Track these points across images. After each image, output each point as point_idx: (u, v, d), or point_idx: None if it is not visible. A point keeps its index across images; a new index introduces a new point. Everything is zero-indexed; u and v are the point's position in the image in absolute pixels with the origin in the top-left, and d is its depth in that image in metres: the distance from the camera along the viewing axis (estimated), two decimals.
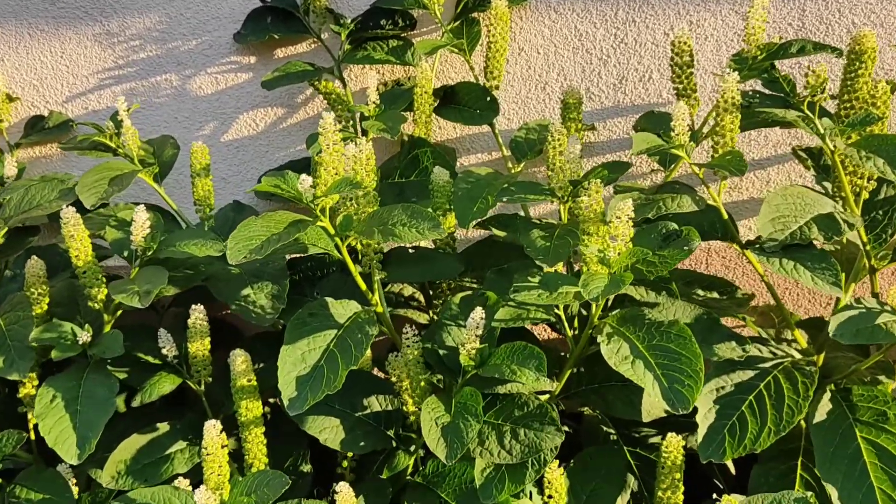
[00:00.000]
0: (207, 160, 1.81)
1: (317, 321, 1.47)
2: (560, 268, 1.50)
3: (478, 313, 1.44)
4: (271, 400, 1.89)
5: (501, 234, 1.71)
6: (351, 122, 1.93)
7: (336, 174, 1.42)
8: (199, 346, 1.61)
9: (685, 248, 1.34)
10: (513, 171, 1.91)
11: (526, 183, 1.60)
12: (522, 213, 1.89)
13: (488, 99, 1.86)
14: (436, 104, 1.87)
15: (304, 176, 1.37)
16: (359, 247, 1.54)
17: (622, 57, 1.93)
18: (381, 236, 1.36)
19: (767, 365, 1.51)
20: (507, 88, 1.98)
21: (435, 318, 1.83)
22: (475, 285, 1.79)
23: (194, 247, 1.58)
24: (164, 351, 1.63)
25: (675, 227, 1.40)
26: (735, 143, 1.52)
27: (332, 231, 1.42)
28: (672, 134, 1.48)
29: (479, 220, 1.67)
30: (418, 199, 1.81)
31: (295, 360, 1.41)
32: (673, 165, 1.80)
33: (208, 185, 1.82)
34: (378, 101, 1.80)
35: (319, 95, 2.01)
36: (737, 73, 1.50)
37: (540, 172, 2.01)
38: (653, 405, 1.61)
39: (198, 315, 1.60)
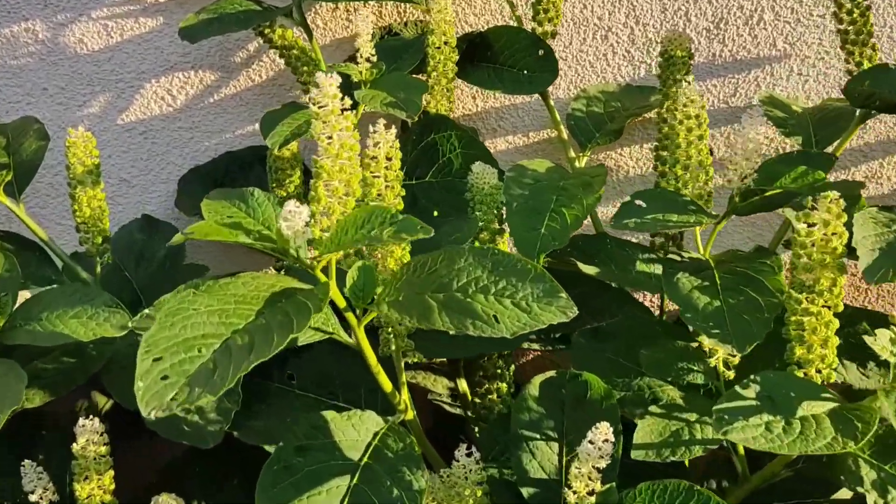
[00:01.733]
0: (95, 157, 1.10)
1: (313, 460, 0.80)
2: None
3: (601, 432, 0.80)
4: None
5: (591, 270, 1.06)
6: None
7: (347, 193, 0.74)
8: (95, 488, 0.92)
9: None
10: (576, 163, 1.26)
11: (655, 193, 0.96)
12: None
13: (541, 53, 1.20)
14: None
15: (291, 206, 0.69)
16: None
17: None
18: (446, 319, 0.70)
19: None
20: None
21: (464, 388, 1.18)
22: (540, 345, 1.14)
23: (76, 322, 0.89)
24: (33, 498, 0.93)
25: None
26: None
27: (341, 303, 0.75)
28: None
29: (555, 249, 1.03)
30: (445, 214, 1.15)
31: None
32: None
33: (98, 197, 1.12)
34: (374, 58, 1.12)
35: (270, 51, 1.31)
36: None
37: (612, 160, 1.37)
38: None
39: (90, 435, 0.91)
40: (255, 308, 0.66)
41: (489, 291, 0.72)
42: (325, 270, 0.73)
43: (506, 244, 1.09)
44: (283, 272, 0.88)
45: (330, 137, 0.74)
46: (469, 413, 1.17)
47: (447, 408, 1.32)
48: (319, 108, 0.74)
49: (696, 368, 0.87)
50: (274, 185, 1.16)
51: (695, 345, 0.90)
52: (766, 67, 1.34)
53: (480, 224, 1.06)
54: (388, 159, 0.85)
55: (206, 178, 1.35)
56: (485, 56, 1.23)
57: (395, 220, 0.68)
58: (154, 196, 1.39)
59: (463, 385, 1.19)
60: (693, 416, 0.85)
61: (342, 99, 0.74)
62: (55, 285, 1.14)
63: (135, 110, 1.35)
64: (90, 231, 1.12)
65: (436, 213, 1.17)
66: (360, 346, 0.79)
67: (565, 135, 1.26)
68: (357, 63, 1.13)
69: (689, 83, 0.97)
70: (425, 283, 0.74)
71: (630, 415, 0.93)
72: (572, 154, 1.25)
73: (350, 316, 0.76)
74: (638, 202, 0.91)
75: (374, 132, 0.84)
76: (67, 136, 1.08)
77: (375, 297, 0.76)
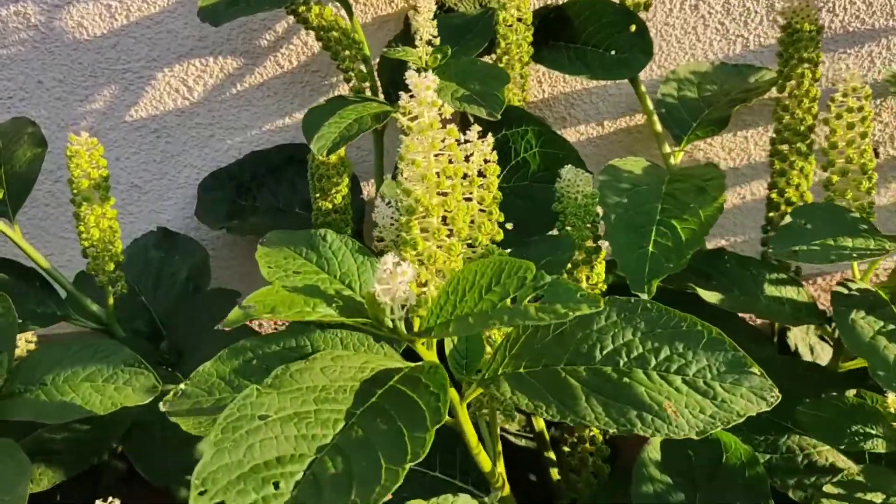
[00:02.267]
0: (103, 168, 0.91)
1: None
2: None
3: None
4: None
5: (712, 297, 0.87)
6: (367, 83, 1.05)
7: (451, 233, 0.55)
8: None
9: None
10: (671, 159, 1.07)
11: (817, 210, 0.76)
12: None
13: (632, 29, 1.00)
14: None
15: (389, 262, 0.50)
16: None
17: None
18: (599, 410, 0.51)
19: None
20: None
21: (541, 426, 0.99)
22: None
23: (89, 387, 0.70)
24: None
25: None
26: None
27: (445, 381, 0.56)
28: None
29: (670, 273, 0.84)
30: (521, 230, 0.95)
31: None
32: None
33: (108, 216, 0.93)
34: (437, 39, 0.93)
35: (301, 32, 1.12)
36: None
37: (699, 150, 1.18)
38: None
39: None
40: (343, 407, 0.47)
41: (648, 364, 0.53)
42: (428, 344, 0.54)
43: (602, 266, 0.90)
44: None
45: (426, 159, 0.54)
46: (547, 454, 0.99)
47: (512, 438, 1.14)
48: (411, 119, 0.55)
49: (876, 433, 0.69)
50: (318, 195, 0.97)
51: (871, 401, 0.71)
52: (882, 40, 1.15)
53: (573, 238, 0.88)
54: (482, 175, 0.66)
55: (230, 183, 1.16)
56: (563, 34, 1.03)
57: (540, 283, 0.49)
58: (170, 204, 1.20)
59: (540, 423, 1.01)
60: (878, 498, 0.67)
61: (441, 106, 0.55)
62: (60, 321, 0.95)
63: (145, 105, 1.15)
64: (100, 256, 0.93)
65: (509, 227, 0.98)
66: (460, 426, 0.60)
67: (659, 126, 1.06)
68: (415, 46, 0.93)
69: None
70: (553, 350, 0.55)
71: (782, 487, 0.75)
72: (667, 149, 1.06)
73: (454, 397, 0.57)
74: (800, 222, 0.72)
75: (466, 140, 0.65)
76: (69, 144, 0.89)
77: (483, 367, 0.58)
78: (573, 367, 0.53)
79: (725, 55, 1.15)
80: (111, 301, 0.97)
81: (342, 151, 0.94)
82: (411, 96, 0.57)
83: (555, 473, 0.99)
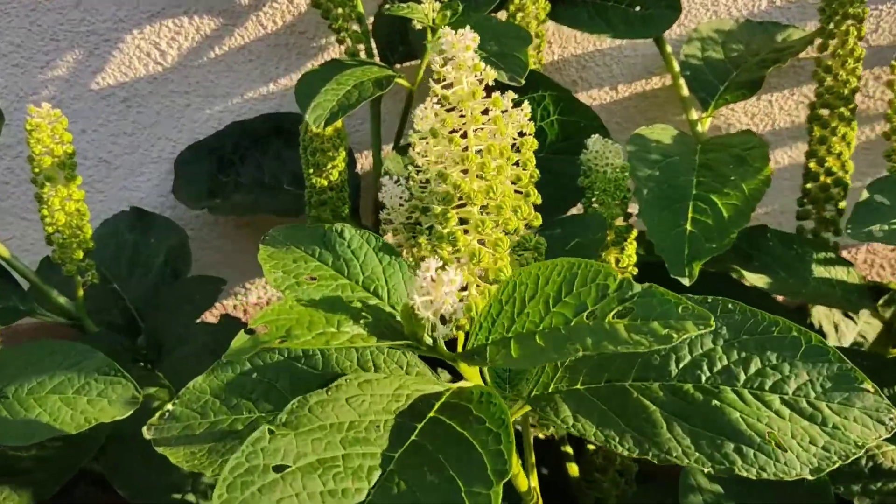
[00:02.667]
0: (68, 143, 0.80)
1: None
2: None
3: None
4: None
5: (759, 279, 0.79)
6: (362, 45, 0.94)
7: (498, 224, 0.46)
8: None
9: None
10: (698, 126, 0.97)
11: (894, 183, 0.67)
12: None
13: None
14: None
15: (432, 266, 0.40)
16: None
17: None
18: (688, 443, 0.42)
19: None
20: None
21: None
22: None
23: (58, 400, 0.60)
24: None
25: None
26: None
27: (504, 415, 0.46)
28: None
29: (714, 255, 0.76)
30: (542, 207, 0.86)
31: None
32: None
33: (75, 198, 0.82)
34: None
35: None
36: None
37: (721, 116, 1.08)
38: None
39: None
40: (377, 450, 0.38)
41: (737, 380, 0.44)
42: (470, 353, 0.45)
43: (633, 248, 0.81)
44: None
45: (465, 136, 0.45)
46: (565, 448, 0.91)
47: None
48: (445, 86, 0.45)
49: None
50: (311, 170, 0.87)
51: None
52: None
53: (603, 214, 0.79)
54: (516, 150, 0.57)
55: (210, 157, 1.05)
56: None
57: (628, 294, 0.39)
58: (143, 181, 1.09)
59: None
60: None
61: (484, 70, 0.45)
62: (24, 316, 0.85)
63: (113, 71, 1.04)
64: (66, 244, 0.82)
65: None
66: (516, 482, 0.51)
67: (686, 90, 0.96)
68: (419, 1, 0.83)
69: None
70: (616, 360, 0.46)
71: (846, 494, 0.67)
72: (693, 115, 0.96)
73: (502, 411, 0.48)
74: (878, 198, 0.63)
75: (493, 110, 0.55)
76: (28, 117, 0.78)
77: (530, 380, 0.48)
78: (645, 385, 0.44)
79: (750, 12, 1.05)
80: (80, 293, 0.87)
81: (339, 122, 0.84)
82: (445, 59, 0.47)
83: (573, 469, 0.90)
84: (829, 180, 0.91)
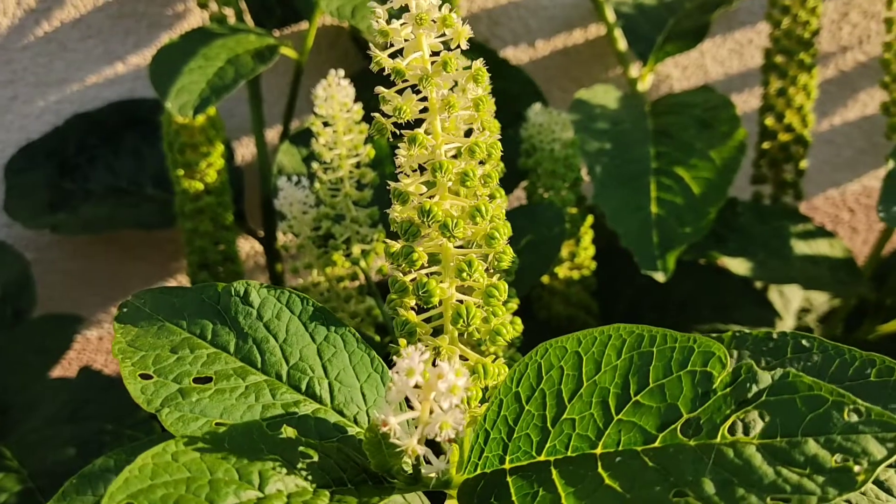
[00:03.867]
0: None
1: None
2: None
3: None
4: None
5: (741, 266, 0.66)
6: (231, 8, 0.76)
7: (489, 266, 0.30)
8: None
9: None
10: (637, 84, 0.84)
11: None
12: None
13: None
14: None
15: (414, 358, 0.24)
16: None
17: None
18: None
19: None
20: None
21: None
22: None
23: None
24: None
25: None
26: None
27: None
28: None
29: (691, 242, 0.63)
30: None
31: None
32: None
33: None
34: None
35: None
36: None
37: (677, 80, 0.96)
38: None
39: None
40: None
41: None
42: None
43: (590, 237, 0.67)
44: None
45: (430, 132, 0.29)
46: None
47: None
48: (393, 53, 0.29)
49: None
50: (181, 172, 0.68)
51: None
52: None
53: (553, 202, 0.64)
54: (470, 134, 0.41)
55: (49, 160, 0.85)
56: None
57: (751, 385, 0.24)
58: None
59: None
60: None
61: (454, 27, 0.30)
62: None
63: None
64: None
65: None
66: None
67: (623, 43, 0.83)
68: None
69: None
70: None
71: None
72: (633, 73, 0.83)
73: None
74: None
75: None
76: None
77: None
78: None
79: None
80: None
81: (213, 109, 0.66)
82: (392, 13, 0.31)
83: None
84: (788, 137, 0.79)
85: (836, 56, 1.01)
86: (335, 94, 0.53)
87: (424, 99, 0.32)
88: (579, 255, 0.66)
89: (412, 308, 0.32)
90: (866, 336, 0.73)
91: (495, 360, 0.31)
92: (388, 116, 0.32)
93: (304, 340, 0.31)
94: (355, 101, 0.55)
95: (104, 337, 0.96)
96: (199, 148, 0.67)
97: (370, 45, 0.37)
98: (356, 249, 0.55)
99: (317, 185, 0.54)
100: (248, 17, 0.80)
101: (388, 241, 0.33)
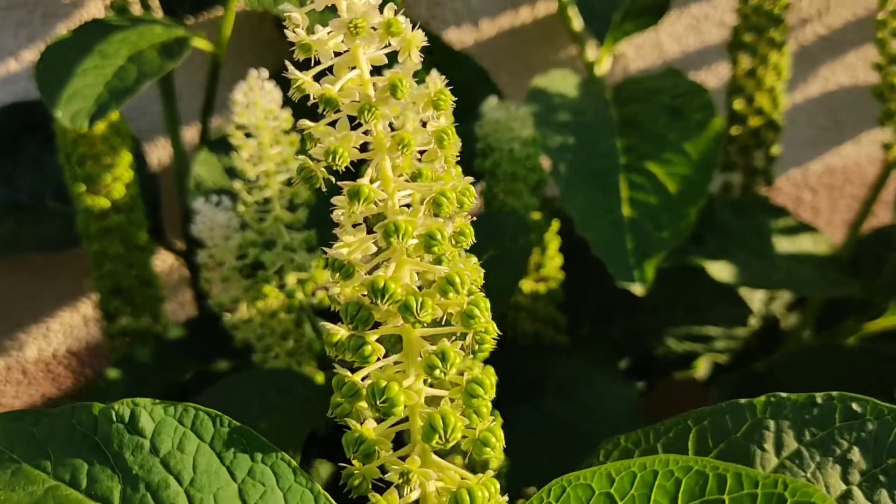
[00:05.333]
0: None
1: None
2: None
3: None
4: None
5: (723, 271, 0.60)
6: None
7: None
8: None
9: None
10: (595, 68, 0.77)
11: None
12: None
13: None
14: None
15: None
16: None
17: None
18: None
19: None
20: None
21: None
22: None
23: None
24: None
25: None
26: None
27: None
28: None
29: (670, 248, 0.56)
30: None
31: None
32: None
33: None
34: None
35: None
36: None
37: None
38: None
39: None
40: None
41: None
42: None
43: (556, 245, 0.60)
44: None
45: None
46: None
47: None
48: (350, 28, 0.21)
49: None
50: (82, 187, 0.59)
51: None
52: None
53: (511, 210, 0.57)
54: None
55: None
56: None
57: None
58: None
59: None
60: None
61: None
62: None
63: None
64: None
65: None
66: None
67: (578, 22, 0.75)
68: None
69: None
70: None
71: None
72: (590, 55, 0.75)
73: None
74: None
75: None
76: None
77: None
78: None
79: None
80: None
81: (116, 114, 0.57)
82: (315, 19, 0.23)
83: None
84: (759, 122, 0.73)
85: (795, 30, 0.95)
86: (258, 99, 0.44)
87: (367, 132, 0.25)
88: (545, 266, 0.59)
89: (367, 416, 0.25)
90: (852, 335, 0.67)
91: (480, 478, 0.24)
92: (318, 161, 0.24)
93: (221, 479, 0.23)
94: (283, 104, 0.46)
95: (12, 367, 0.86)
96: (101, 159, 0.58)
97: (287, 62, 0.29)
98: (291, 279, 0.47)
99: (241, 207, 0.46)
100: (156, 4, 0.71)
101: (326, 325, 0.25)
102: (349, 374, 0.25)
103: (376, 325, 0.25)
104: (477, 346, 0.25)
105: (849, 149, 1.01)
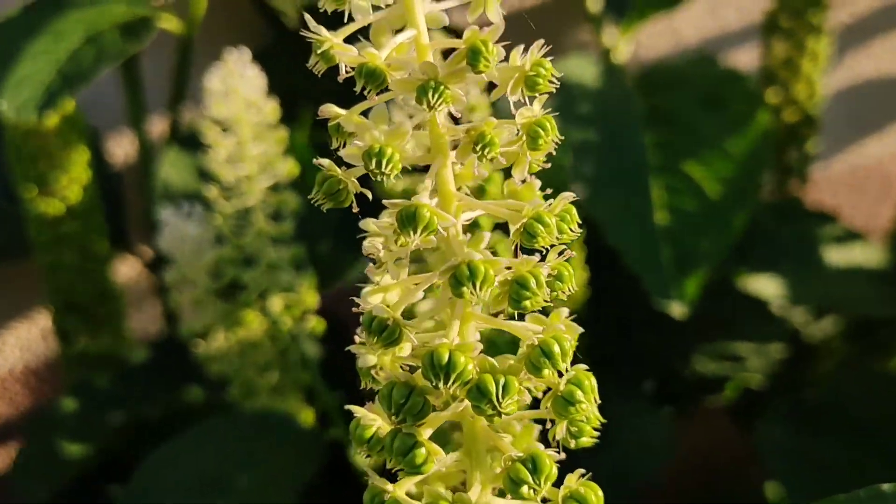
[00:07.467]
0: None
1: None
2: None
3: None
4: None
5: (770, 285, 0.53)
6: None
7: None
8: None
9: None
10: (613, 53, 0.69)
11: None
12: None
13: None
14: None
15: None
16: None
17: None
18: None
19: None
20: None
21: None
22: None
23: None
24: None
25: None
26: None
27: None
28: None
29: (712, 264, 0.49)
30: None
31: None
32: None
33: None
34: None
35: None
36: None
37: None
38: None
39: None
40: None
41: None
42: None
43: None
44: None
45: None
46: None
47: None
48: None
49: None
50: (33, 190, 0.51)
51: None
52: None
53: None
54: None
55: None
56: None
57: None
58: None
59: None
60: None
61: None
62: None
63: None
64: None
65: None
66: None
67: (596, 4, 0.67)
68: None
69: None
70: None
71: None
72: (608, 40, 0.68)
73: None
74: None
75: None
76: None
77: None
78: None
79: None
80: None
81: (71, 104, 0.48)
82: None
83: None
84: (795, 115, 0.66)
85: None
86: (237, 86, 0.36)
87: (419, 126, 0.18)
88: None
89: None
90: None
91: None
92: (349, 166, 0.17)
93: None
94: (268, 93, 0.39)
95: None
96: (52, 157, 0.50)
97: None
98: (276, 303, 0.39)
99: (217, 218, 0.38)
100: None
101: (356, 411, 0.17)
102: (390, 487, 0.17)
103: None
104: (573, 441, 0.18)
105: (873, 145, 0.95)
